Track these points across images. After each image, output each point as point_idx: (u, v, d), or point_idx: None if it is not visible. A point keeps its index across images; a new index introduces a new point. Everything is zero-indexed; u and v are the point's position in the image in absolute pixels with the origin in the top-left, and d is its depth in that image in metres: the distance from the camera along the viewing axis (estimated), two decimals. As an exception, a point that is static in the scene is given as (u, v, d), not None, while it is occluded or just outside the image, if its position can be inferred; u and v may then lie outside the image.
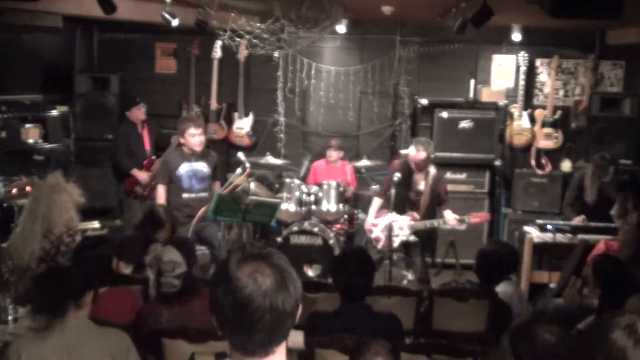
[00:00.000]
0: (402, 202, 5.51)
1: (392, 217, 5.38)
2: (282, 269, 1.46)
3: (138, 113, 6.27)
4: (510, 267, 4.12)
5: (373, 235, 5.59)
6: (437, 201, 5.55)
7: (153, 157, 6.24)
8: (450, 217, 5.43)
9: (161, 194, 5.40)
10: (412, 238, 5.44)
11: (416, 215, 5.47)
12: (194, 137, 5.36)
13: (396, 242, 5.42)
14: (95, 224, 5.81)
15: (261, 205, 5.12)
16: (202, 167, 5.44)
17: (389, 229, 5.31)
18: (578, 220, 5.71)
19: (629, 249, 4.62)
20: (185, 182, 5.39)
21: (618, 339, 1.49)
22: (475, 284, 4.07)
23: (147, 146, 6.30)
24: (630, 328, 1.50)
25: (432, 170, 5.55)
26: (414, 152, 5.45)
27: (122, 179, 6.25)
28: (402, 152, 6.87)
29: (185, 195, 5.36)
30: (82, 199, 4.07)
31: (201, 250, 5.13)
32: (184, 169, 5.39)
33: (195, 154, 5.40)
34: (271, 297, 1.41)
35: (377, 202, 5.73)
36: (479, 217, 5.58)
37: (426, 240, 5.73)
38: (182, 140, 5.43)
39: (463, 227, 5.54)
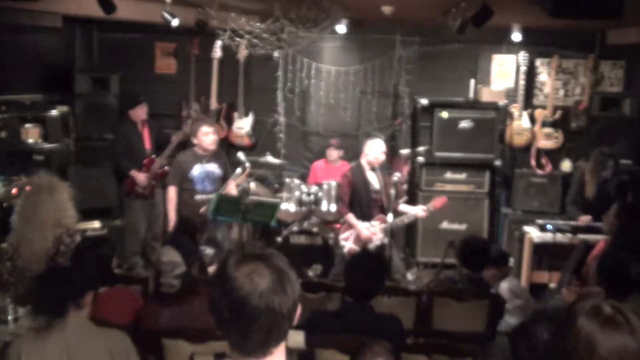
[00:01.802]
0: (368, 206, 5.52)
1: (362, 225, 5.43)
2: (280, 270, 1.46)
3: (140, 112, 6.27)
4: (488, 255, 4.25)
5: (346, 249, 5.51)
6: (396, 193, 5.53)
7: (153, 156, 6.23)
8: (415, 211, 5.56)
9: (172, 196, 5.45)
10: (387, 240, 5.38)
11: (383, 217, 5.40)
12: (207, 136, 5.42)
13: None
14: (96, 224, 5.82)
15: (261, 205, 5.12)
16: (214, 168, 5.49)
17: (362, 239, 5.39)
18: (583, 220, 5.71)
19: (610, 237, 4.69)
20: (198, 183, 5.43)
21: (584, 325, 1.46)
22: (465, 276, 4.13)
23: (148, 145, 6.29)
24: (594, 311, 1.47)
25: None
26: (382, 149, 5.47)
27: (121, 178, 6.25)
28: (403, 152, 6.89)
29: (198, 197, 5.38)
30: (71, 190, 4.05)
31: (209, 250, 5.14)
32: (196, 170, 5.43)
33: (207, 156, 5.45)
34: (267, 298, 1.41)
35: (351, 216, 5.53)
36: (439, 201, 5.63)
37: (405, 238, 5.80)
38: (195, 140, 5.48)
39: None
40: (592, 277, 3.97)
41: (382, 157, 5.54)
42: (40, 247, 3.75)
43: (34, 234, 3.78)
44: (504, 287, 4.21)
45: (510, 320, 4.07)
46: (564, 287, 4.50)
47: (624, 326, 1.43)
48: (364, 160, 5.57)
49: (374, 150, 5.49)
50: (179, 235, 4.33)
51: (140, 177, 6.09)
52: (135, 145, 6.20)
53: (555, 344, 1.53)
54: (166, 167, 6.18)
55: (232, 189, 5.51)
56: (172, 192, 5.46)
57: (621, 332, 1.43)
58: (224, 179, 5.56)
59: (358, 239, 5.45)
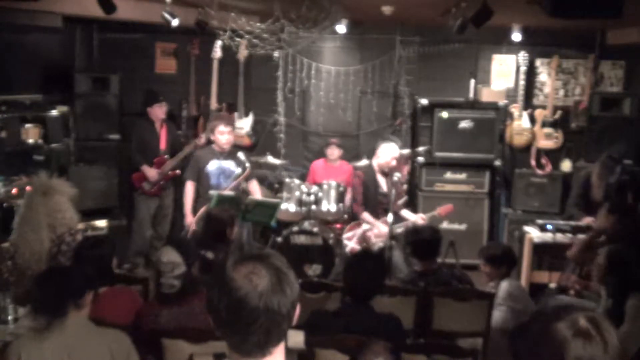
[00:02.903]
0: (374, 208, 5.56)
1: (366, 226, 5.49)
2: (278, 270, 1.45)
3: (159, 111, 6.30)
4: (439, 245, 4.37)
5: (348, 249, 5.55)
6: (396, 193, 5.56)
7: (165, 156, 6.25)
8: (414, 218, 5.62)
9: (189, 190, 5.57)
10: (389, 243, 5.35)
11: (387, 220, 5.37)
12: (223, 135, 5.52)
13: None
14: (103, 223, 5.87)
15: (261, 205, 5.14)
16: (230, 165, 5.58)
17: (366, 240, 5.41)
18: (587, 222, 5.70)
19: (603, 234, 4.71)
20: (213, 179, 5.53)
21: (560, 330, 1.55)
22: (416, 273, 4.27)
23: (163, 145, 6.32)
24: (572, 320, 1.55)
25: None
26: (393, 154, 5.47)
27: (130, 173, 6.31)
28: (403, 152, 6.88)
29: (212, 192, 5.43)
30: (74, 191, 4.07)
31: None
32: (212, 166, 5.54)
33: (225, 153, 5.54)
34: (266, 298, 1.41)
35: (367, 215, 5.62)
36: (445, 209, 5.66)
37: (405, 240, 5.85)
38: (212, 138, 5.60)
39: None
40: (594, 275, 3.97)
41: (393, 162, 5.55)
42: (38, 247, 3.75)
43: (30, 234, 3.80)
44: (503, 288, 4.21)
45: (502, 321, 4.06)
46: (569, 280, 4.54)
47: (596, 340, 1.51)
48: (375, 162, 5.61)
49: (385, 154, 5.53)
50: (207, 233, 4.31)
51: (152, 172, 6.14)
52: (150, 144, 6.25)
53: (535, 341, 1.61)
54: (177, 171, 6.21)
55: (255, 190, 5.56)
56: (189, 186, 5.58)
57: (592, 345, 1.50)
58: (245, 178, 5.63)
59: (361, 240, 5.46)
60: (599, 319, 1.57)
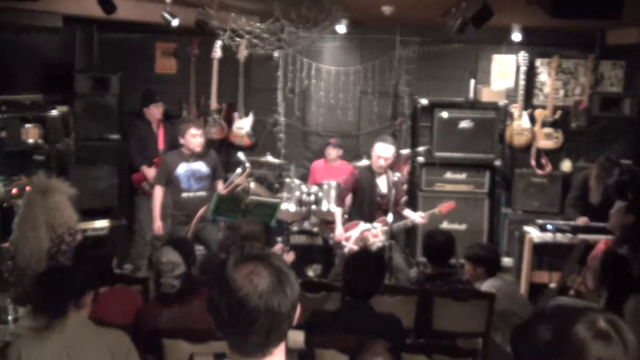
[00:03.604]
0: (371, 209, 5.55)
1: (364, 226, 5.44)
2: (279, 270, 1.46)
3: (155, 111, 6.33)
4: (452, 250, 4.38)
5: (346, 249, 5.53)
6: (396, 193, 5.54)
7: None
8: (414, 216, 5.62)
9: (158, 195, 5.54)
10: (388, 242, 5.36)
11: (385, 219, 5.38)
12: (195, 138, 5.46)
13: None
14: (103, 223, 5.88)
15: (261, 205, 5.13)
16: (201, 166, 5.52)
17: (364, 240, 5.38)
18: (581, 221, 5.70)
19: (616, 232, 4.70)
20: (184, 182, 5.49)
21: (579, 332, 1.55)
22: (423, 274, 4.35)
23: (161, 145, 6.34)
24: (590, 322, 1.56)
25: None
26: (381, 153, 5.44)
27: (130, 173, 6.31)
28: (403, 152, 6.88)
29: (184, 195, 5.45)
30: (72, 190, 4.07)
31: (199, 250, 5.13)
32: (182, 169, 5.48)
33: (194, 155, 5.47)
34: (267, 298, 1.41)
35: (339, 211, 5.67)
36: (447, 206, 5.68)
37: (405, 239, 5.84)
38: (182, 141, 5.51)
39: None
40: (592, 278, 3.97)
41: (381, 162, 5.46)
42: (38, 246, 3.75)
43: (29, 233, 3.80)
44: (484, 288, 4.18)
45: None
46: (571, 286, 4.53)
47: (616, 341, 1.51)
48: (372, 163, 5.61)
49: (374, 153, 5.49)
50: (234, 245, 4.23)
51: (151, 172, 6.16)
52: (148, 144, 6.28)
53: (552, 344, 1.60)
54: None
55: (219, 188, 5.54)
56: (157, 191, 5.56)
57: (612, 345, 1.50)
58: (212, 177, 5.59)
59: (358, 240, 5.45)
60: (616, 319, 1.56)
